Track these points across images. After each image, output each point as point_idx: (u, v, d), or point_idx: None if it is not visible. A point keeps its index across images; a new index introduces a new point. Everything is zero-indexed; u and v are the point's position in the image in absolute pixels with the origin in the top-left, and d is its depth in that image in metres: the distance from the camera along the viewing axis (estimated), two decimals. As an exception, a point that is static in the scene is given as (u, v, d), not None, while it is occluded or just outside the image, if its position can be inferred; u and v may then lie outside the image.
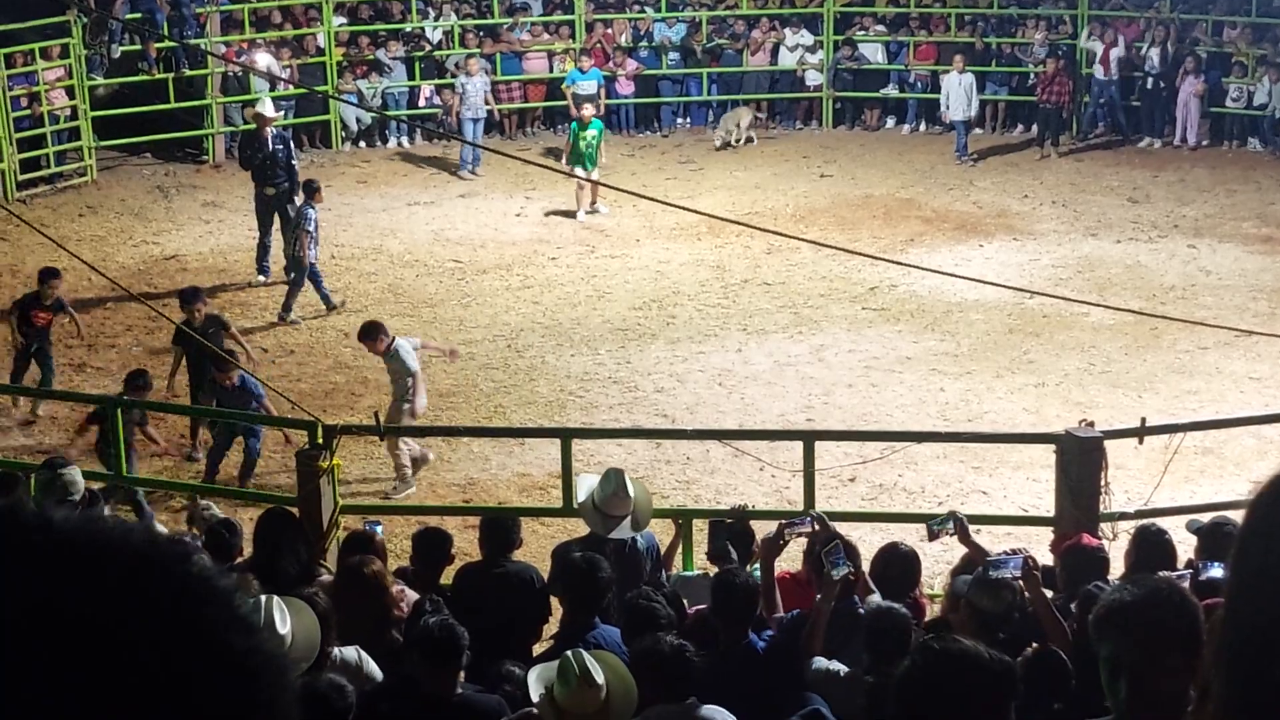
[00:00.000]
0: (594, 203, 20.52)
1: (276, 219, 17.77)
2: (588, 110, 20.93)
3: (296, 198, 17.33)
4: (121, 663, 1.00)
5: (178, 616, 1.04)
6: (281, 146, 17.97)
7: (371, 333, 12.74)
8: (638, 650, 6.39)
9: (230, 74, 23.84)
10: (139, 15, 23.17)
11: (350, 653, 7.03)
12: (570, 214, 20.51)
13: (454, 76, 24.85)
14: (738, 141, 24.46)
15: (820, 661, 6.80)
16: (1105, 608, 4.23)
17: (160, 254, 19.30)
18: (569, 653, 6.14)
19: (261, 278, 17.97)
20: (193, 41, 23.47)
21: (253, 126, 18.73)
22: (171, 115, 23.59)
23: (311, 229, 16.40)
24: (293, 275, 16.82)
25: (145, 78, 23.43)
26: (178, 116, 23.68)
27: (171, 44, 23.49)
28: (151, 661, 1.00)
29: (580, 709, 6.01)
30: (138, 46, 23.47)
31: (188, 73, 23.69)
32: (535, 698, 6.06)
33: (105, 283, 15.30)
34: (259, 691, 1.06)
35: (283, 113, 22.09)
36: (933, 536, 8.58)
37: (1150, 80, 24.22)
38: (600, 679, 6.01)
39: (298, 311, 16.79)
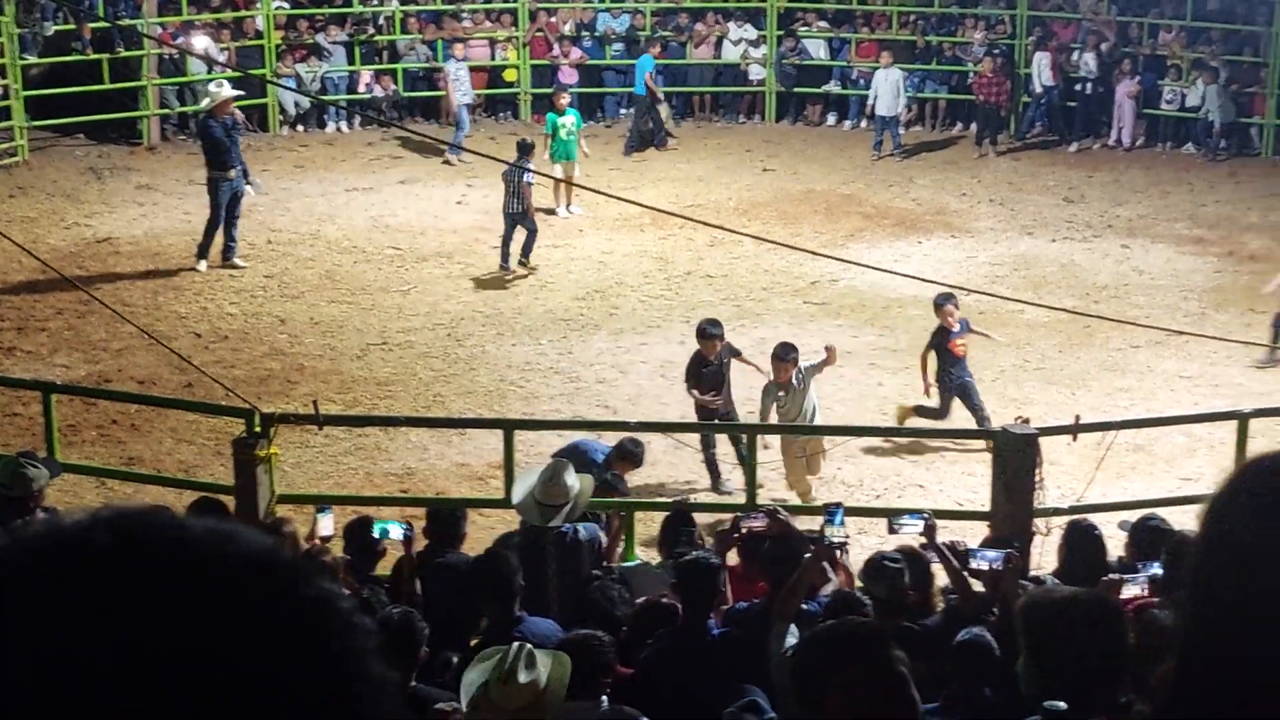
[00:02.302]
0: (569, 203, 20.34)
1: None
2: (564, 99, 20.86)
3: (248, 179, 17.84)
4: (231, 680, 1.00)
5: (293, 637, 1.03)
6: (236, 128, 18.01)
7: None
8: (560, 642, 6.42)
9: (166, 56, 23.60)
10: (74, -6, 22.90)
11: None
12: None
13: (403, 57, 24.93)
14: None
15: (792, 639, 6.78)
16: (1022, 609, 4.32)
17: (93, 236, 19.07)
18: (510, 648, 6.13)
19: (241, 261, 17.89)
20: (128, 22, 23.22)
21: (203, 108, 18.61)
22: (105, 96, 23.28)
23: (531, 182, 17.53)
24: (523, 226, 17.62)
25: (79, 58, 23.13)
26: (112, 98, 23.38)
27: (106, 24, 23.21)
28: (262, 681, 1.00)
29: (513, 703, 5.99)
30: (71, 26, 23.16)
31: (122, 53, 23.42)
32: (465, 700, 6.02)
33: (36, 265, 15.11)
34: (367, 716, 1.06)
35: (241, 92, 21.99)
36: (893, 532, 8.59)
37: (1088, 85, 24.43)
38: (530, 676, 5.99)
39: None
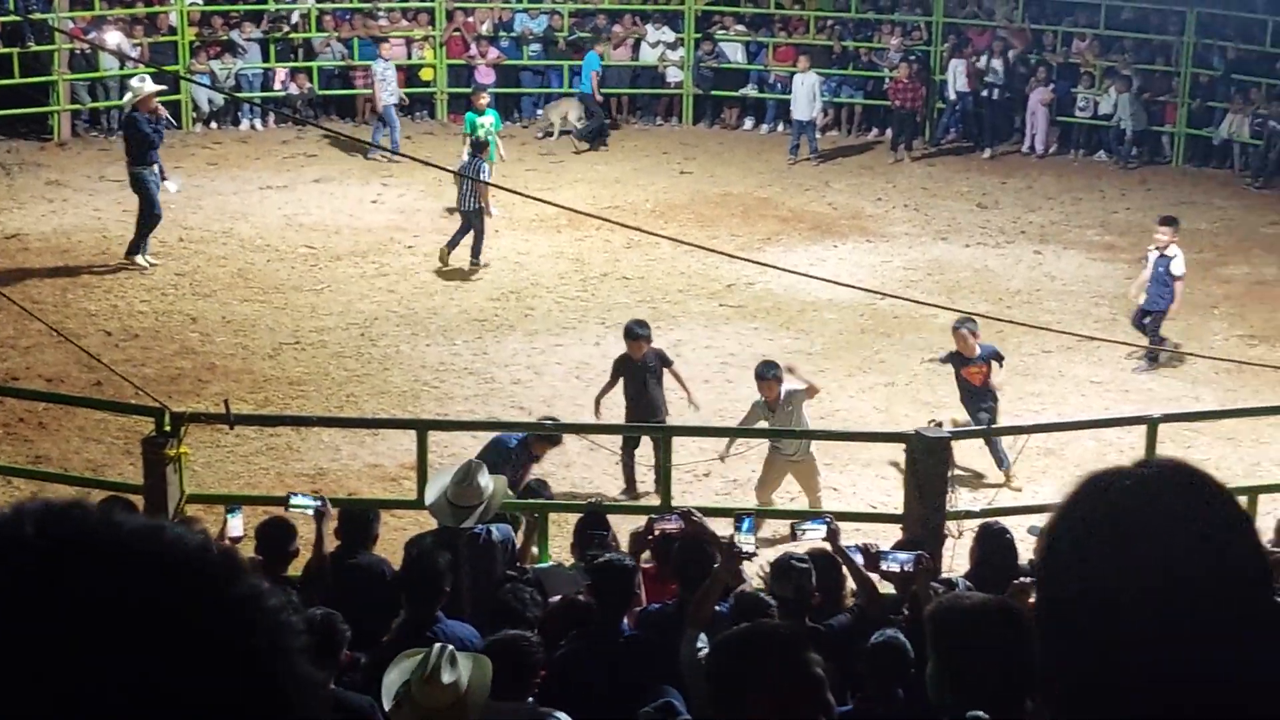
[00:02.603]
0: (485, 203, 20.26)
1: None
2: (484, 99, 20.77)
3: (164, 176, 17.71)
4: (160, 675, 0.99)
5: (222, 633, 1.03)
6: (161, 124, 17.88)
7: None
8: (490, 642, 6.39)
9: (78, 51, 23.27)
10: (-18, -13, 22.54)
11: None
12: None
13: (318, 54, 24.76)
14: (562, 134, 24.50)
15: (703, 640, 6.81)
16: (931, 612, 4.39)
17: (1, 233, 18.76)
18: (432, 649, 6.09)
19: (144, 261, 17.67)
20: (39, 16, 22.87)
21: (126, 103, 18.39)
22: (15, 91, 22.91)
23: (487, 180, 17.66)
24: (474, 225, 17.78)
25: (-12, 51, 22.77)
26: (22, 92, 23.02)
27: (16, 18, 22.85)
28: (190, 676, 1.00)
29: (432, 704, 5.97)
30: (-19, 19, 22.81)
31: (33, 48, 23.06)
32: (390, 693, 5.99)
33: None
34: (293, 714, 1.05)
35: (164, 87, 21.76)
36: (796, 538, 8.64)
37: (995, 91, 24.65)
38: (453, 676, 5.97)
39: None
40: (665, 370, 12.62)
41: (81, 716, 0.96)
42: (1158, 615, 1.57)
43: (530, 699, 6.27)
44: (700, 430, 12.32)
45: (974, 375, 12.92)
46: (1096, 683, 1.59)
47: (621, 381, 12.55)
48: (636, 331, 12.59)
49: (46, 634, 0.97)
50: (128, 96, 18.44)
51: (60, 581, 1.00)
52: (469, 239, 17.87)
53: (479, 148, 18.40)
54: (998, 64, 24.53)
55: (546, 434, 11.01)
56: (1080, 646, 1.61)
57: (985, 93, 24.69)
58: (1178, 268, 15.30)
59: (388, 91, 23.08)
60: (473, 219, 17.79)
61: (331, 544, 8.70)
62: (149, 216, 17.48)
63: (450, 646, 6.13)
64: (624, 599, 7.15)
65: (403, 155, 19.81)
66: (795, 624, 6.90)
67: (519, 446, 10.88)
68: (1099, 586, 1.61)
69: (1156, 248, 15.50)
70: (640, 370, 12.45)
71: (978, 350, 12.92)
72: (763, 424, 11.83)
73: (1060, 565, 1.68)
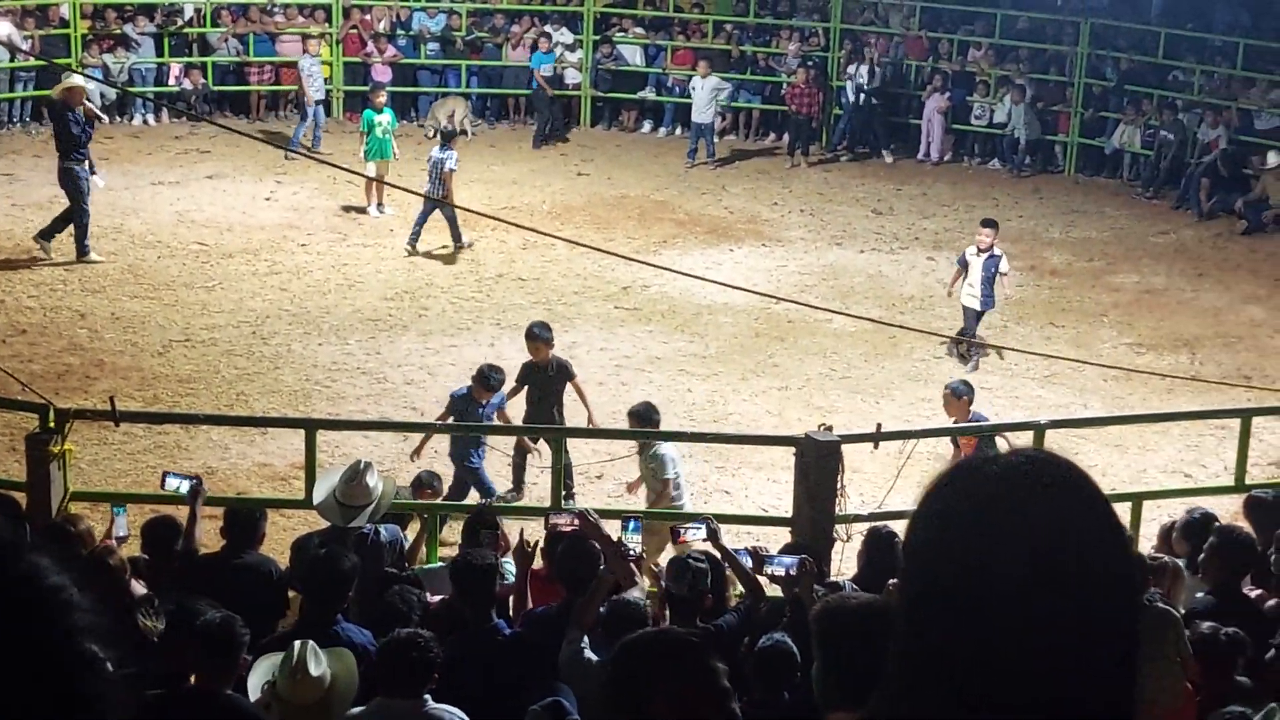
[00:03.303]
0: (380, 202, 20.10)
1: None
2: (381, 97, 20.61)
3: (93, 170, 17.71)
4: None
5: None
6: (91, 124, 17.82)
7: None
8: (385, 641, 6.36)
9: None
10: None
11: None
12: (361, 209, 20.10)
13: (215, 50, 24.48)
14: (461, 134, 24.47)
15: (585, 641, 6.79)
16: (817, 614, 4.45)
17: (-117, 225, 18.38)
18: (293, 645, 6.04)
19: (97, 256, 17.45)
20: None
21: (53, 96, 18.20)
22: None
23: (453, 169, 18.38)
24: (443, 213, 18.21)
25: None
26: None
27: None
28: None
29: (299, 700, 5.91)
30: None
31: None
32: (255, 693, 5.93)
33: None
34: (72, 693, 1.02)
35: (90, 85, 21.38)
36: (677, 540, 8.68)
37: (861, 96, 24.82)
38: (320, 670, 5.92)
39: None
40: (569, 384, 12.50)
41: None
42: (1020, 603, 1.57)
43: (426, 696, 6.24)
44: (593, 432, 12.31)
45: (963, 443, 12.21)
46: (990, 659, 1.58)
47: (525, 389, 12.44)
48: (536, 332, 12.48)
49: None
50: (56, 91, 18.24)
51: None
52: (435, 227, 18.30)
53: (448, 138, 18.75)
54: (863, 71, 24.66)
55: (484, 377, 11.67)
56: (962, 624, 1.61)
57: (852, 99, 24.83)
58: (1005, 266, 15.97)
59: (314, 88, 22.93)
60: (441, 208, 17.98)
61: (216, 540, 8.59)
62: (78, 213, 17.23)
63: (311, 641, 6.06)
64: (487, 596, 7.12)
65: (316, 157, 19.68)
66: (699, 629, 6.94)
67: (468, 393, 11.78)
68: (960, 568, 1.61)
69: (980, 249, 15.88)
70: (545, 379, 12.33)
71: (968, 416, 12.39)
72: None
73: (925, 546, 1.69)
